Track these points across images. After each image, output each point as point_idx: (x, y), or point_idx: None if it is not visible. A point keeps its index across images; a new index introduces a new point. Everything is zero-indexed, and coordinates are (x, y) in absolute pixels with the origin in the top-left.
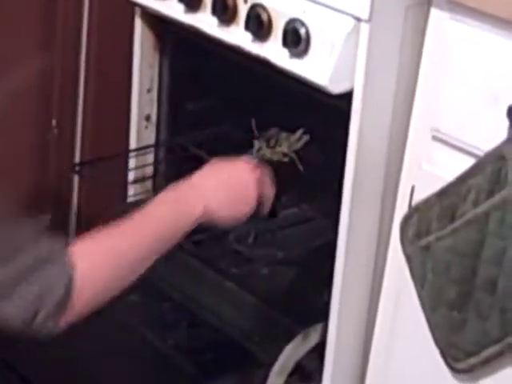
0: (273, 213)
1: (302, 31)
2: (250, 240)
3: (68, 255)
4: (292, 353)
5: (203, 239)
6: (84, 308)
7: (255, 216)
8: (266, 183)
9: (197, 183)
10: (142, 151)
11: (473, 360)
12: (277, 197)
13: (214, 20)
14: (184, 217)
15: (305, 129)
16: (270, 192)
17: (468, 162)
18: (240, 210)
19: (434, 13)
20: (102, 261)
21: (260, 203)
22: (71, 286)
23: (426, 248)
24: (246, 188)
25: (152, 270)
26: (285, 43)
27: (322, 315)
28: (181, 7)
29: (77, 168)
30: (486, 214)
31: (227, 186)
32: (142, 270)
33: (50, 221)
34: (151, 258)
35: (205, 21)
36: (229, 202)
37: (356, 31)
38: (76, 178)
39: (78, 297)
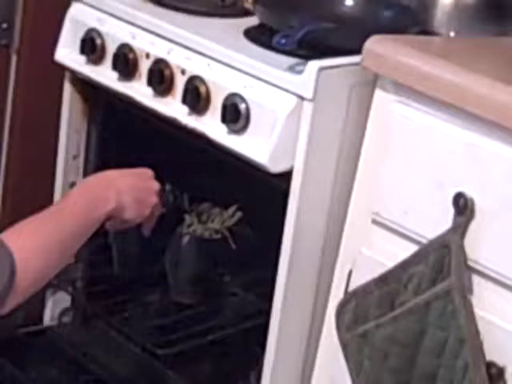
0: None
1: (242, 107)
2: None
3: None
4: None
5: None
6: (27, 290)
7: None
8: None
9: (112, 178)
10: None
11: None
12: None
13: (150, 90)
14: (99, 208)
15: (239, 205)
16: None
17: (409, 249)
18: (141, 212)
19: (379, 94)
20: (33, 243)
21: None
22: (14, 271)
23: (364, 335)
24: (150, 193)
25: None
26: (223, 118)
27: None
28: (114, 75)
29: None
30: (427, 304)
31: (136, 188)
32: (70, 251)
33: None
34: (75, 240)
35: (139, 90)
36: (135, 202)
37: (298, 110)
38: None
39: (21, 280)
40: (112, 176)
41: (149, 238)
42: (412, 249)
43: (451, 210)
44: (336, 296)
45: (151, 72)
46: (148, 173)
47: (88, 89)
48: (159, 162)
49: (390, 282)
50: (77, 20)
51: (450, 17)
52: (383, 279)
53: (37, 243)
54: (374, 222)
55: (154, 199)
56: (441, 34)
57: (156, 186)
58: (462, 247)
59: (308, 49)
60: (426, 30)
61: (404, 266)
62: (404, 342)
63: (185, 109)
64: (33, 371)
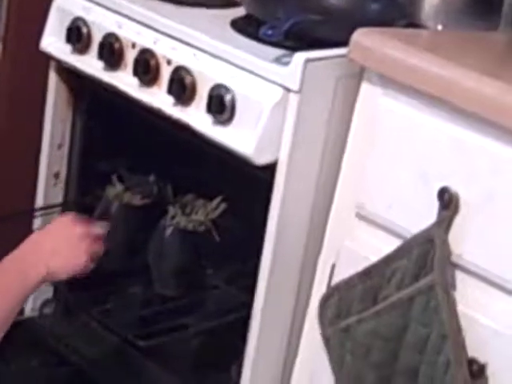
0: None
1: (228, 98)
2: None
3: None
4: None
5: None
6: None
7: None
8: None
9: (28, 251)
10: (49, 210)
11: None
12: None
13: (135, 80)
14: (28, 285)
15: (223, 196)
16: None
17: (393, 243)
18: (78, 263)
19: (365, 86)
20: None
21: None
22: None
23: (346, 330)
24: (76, 242)
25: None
26: (209, 109)
27: None
28: (100, 64)
29: None
30: (410, 299)
31: (59, 248)
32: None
33: None
34: (6, 321)
35: (125, 80)
36: (66, 260)
37: (284, 101)
38: None
39: None
40: (28, 250)
41: (132, 230)
42: (396, 243)
43: (436, 205)
44: (319, 290)
45: (137, 62)
46: (67, 219)
47: (73, 78)
48: (144, 152)
49: (374, 277)
50: (63, 9)
51: (438, 10)
52: (367, 273)
53: None
54: (358, 215)
55: (84, 244)
56: (428, 27)
57: (79, 229)
58: (446, 242)
59: (295, 40)
60: (414, 23)
61: (387, 260)
62: (386, 337)
63: (170, 99)
64: (13, 362)
